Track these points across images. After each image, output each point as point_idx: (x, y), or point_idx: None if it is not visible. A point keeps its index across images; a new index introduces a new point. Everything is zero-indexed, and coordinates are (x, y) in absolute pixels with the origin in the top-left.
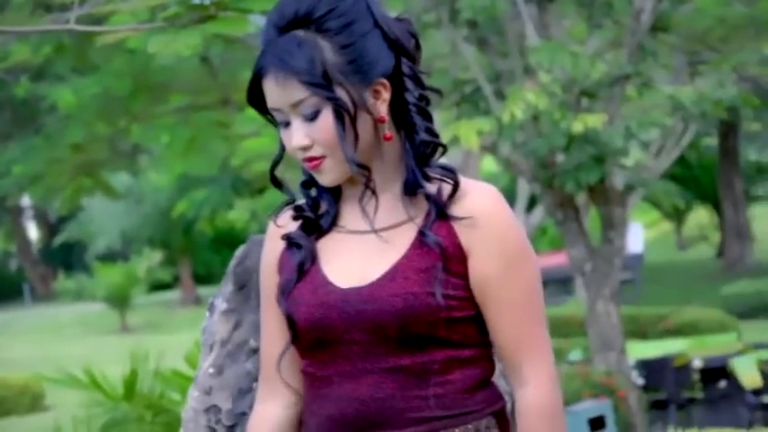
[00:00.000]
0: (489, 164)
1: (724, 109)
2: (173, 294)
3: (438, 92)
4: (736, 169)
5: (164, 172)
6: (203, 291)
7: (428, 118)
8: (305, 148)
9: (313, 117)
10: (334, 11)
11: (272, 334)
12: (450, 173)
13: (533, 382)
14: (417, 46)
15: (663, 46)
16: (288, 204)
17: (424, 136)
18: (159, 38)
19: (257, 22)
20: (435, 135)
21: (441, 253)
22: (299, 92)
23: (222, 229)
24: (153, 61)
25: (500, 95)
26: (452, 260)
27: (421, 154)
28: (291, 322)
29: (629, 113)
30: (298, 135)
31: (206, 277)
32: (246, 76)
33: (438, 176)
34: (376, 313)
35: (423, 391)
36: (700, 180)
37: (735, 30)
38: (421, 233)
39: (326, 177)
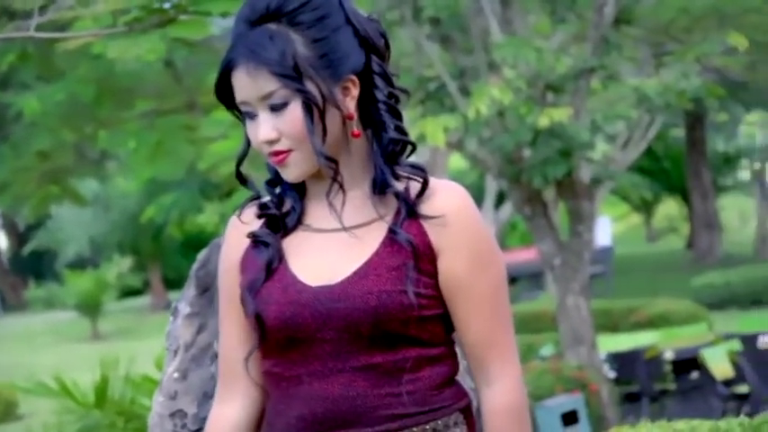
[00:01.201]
0: (457, 161)
1: (689, 100)
2: (143, 300)
3: (405, 92)
4: (703, 160)
5: (131, 178)
6: (174, 296)
7: (397, 116)
8: (271, 142)
9: (281, 110)
10: (307, 5)
11: (232, 334)
12: (420, 171)
13: (501, 381)
14: (387, 46)
15: (627, 38)
16: (252, 200)
17: (393, 134)
18: (120, 42)
19: (219, 24)
20: (405, 133)
21: (412, 251)
22: (269, 83)
23: (192, 233)
24: (118, 66)
25: (465, 92)
26: (423, 259)
27: (390, 152)
28: (260, 322)
29: (594, 107)
30: (265, 128)
31: (177, 282)
32: (212, 79)
33: (407, 175)
34: (349, 311)
35: (395, 388)
36: (668, 172)
37: (698, 20)
38: (392, 231)
39: (292, 172)
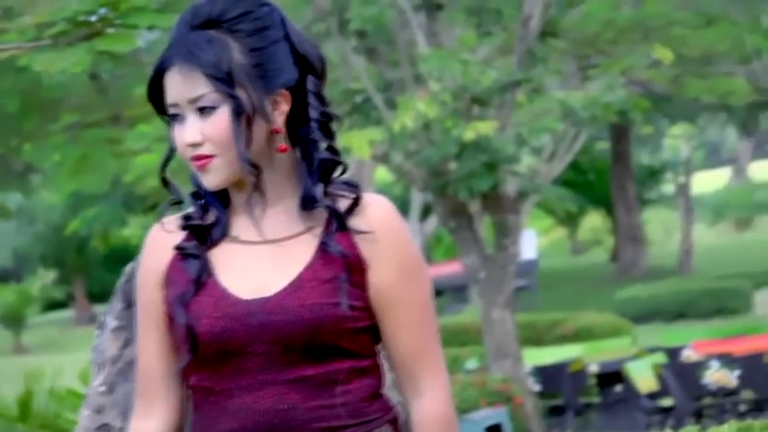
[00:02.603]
0: (382, 174)
1: (614, 113)
2: (67, 313)
3: (338, 118)
4: (628, 173)
5: (55, 191)
6: (98, 309)
7: (330, 135)
8: (195, 145)
9: (209, 114)
10: (249, 14)
11: (152, 348)
12: (353, 188)
13: (431, 392)
14: (324, 70)
15: (552, 51)
16: (173, 205)
17: (324, 154)
18: (46, 55)
19: (145, 37)
20: (337, 153)
21: (345, 263)
22: (201, 86)
23: (116, 246)
24: (43, 79)
25: (391, 105)
26: (354, 271)
27: (322, 170)
28: (191, 335)
29: (520, 120)
30: (191, 130)
31: (101, 295)
32: (137, 92)
33: (338, 193)
34: (283, 324)
35: (327, 400)
36: (593, 184)
37: (623, 33)
38: (324, 243)
39: (212, 178)
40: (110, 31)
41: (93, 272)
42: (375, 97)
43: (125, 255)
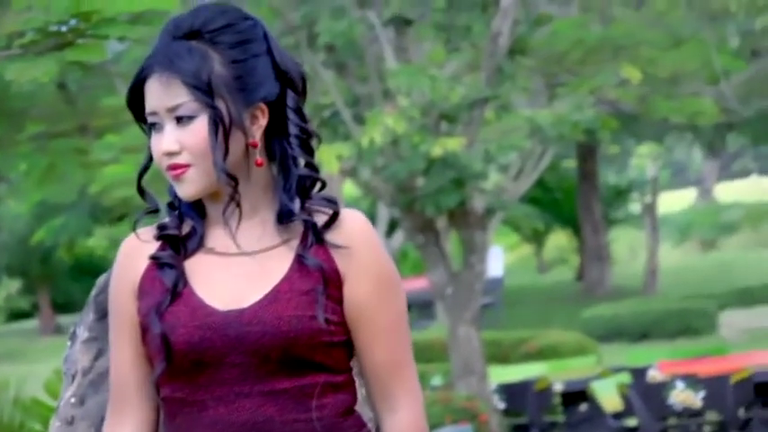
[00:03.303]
0: (349, 188)
1: (582, 131)
2: (32, 323)
3: (317, 136)
4: (595, 192)
5: (22, 200)
6: (63, 319)
7: (309, 152)
8: (171, 154)
9: (187, 123)
10: (231, 27)
11: (125, 358)
12: (332, 203)
13: (405, 408)
14: (305, 89)
15: (521, 69)
16: (147, 213)
17: (303, 170)
18: (17, 65)
19: (112, 48)
20: (316, 169)
21: (322, 276)
22: (180, 94)
23: (82, 256)
24: (11, 88)
25: (359, 120)
26: (331, 284)
27: (301, 186)
28: (167, 345)
29: (488, 137)
30: (168, 139)
31: (65, 305)
32: (105, 102)
33: (315, 208)
34: (259, 336)
35: (303, 414)
36: (559, 203)
37: (592, 52)
38: (300, 256)
39: (187, 188)
40: (80, 41)
41: (59, 282)
42: (343, 112)
43: (90, 265)
